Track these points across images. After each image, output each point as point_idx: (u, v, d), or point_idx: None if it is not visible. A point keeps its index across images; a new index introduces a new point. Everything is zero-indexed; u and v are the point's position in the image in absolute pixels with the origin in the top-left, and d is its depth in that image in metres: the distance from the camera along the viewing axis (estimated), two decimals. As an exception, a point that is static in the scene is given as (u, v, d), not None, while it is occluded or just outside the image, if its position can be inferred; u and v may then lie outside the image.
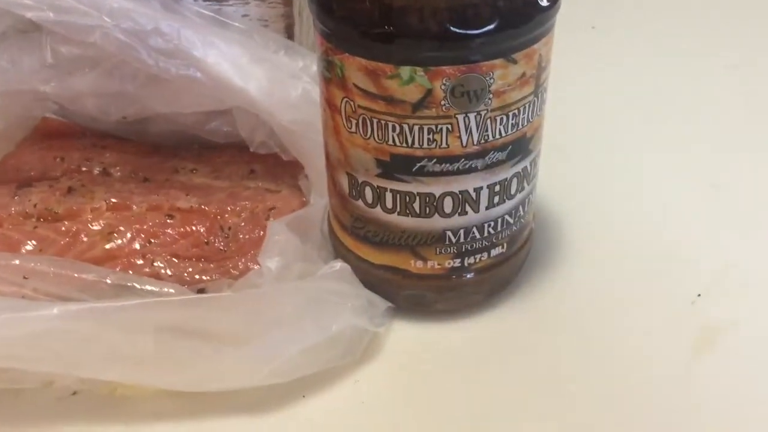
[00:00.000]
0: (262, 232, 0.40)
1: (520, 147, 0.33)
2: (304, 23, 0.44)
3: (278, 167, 0.44)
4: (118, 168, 0.44)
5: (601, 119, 0.52)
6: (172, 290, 0.35)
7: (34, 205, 0.41)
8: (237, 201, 0.42)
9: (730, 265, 0.39)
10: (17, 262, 0.34)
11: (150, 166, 0.45)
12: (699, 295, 0.38)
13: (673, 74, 0.57)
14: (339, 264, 0.36)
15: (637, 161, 0.48)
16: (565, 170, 0.47)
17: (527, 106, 0.32)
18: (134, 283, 0.35)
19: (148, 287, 0.35)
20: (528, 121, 0.32)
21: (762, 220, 0.43)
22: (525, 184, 0.35)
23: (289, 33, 0.43)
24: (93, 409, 0.34)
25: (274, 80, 0.40)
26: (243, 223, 0.41)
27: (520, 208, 0.35)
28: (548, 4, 0.30)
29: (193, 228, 0.40)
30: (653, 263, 0.40)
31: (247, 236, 0.40)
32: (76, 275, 0.35)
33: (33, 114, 0.47)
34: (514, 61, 0.30)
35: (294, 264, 0.35)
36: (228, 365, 0.32)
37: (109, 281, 0.35)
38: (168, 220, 0.40)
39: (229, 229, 0.41)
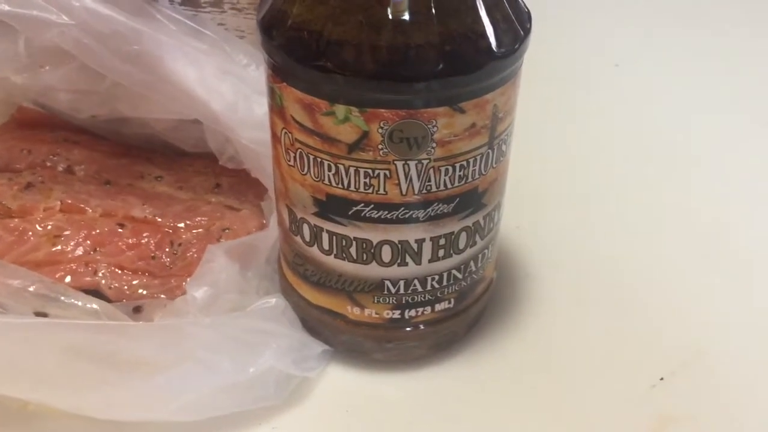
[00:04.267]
0: (210, 252, 0.38)
1: (470, 200, 0.30)
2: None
3: (244, 184, 0.43)
4: (83, 167, 0.43)
5: (595, 167, 0.49)
6: (96, 306, 0.33)
7: (-11, 199, 0.40)
8: (194, 216, 0.40)
9: (702, 351, 0.36)
10: (-58, 260, 0.33)
11: (116, 168, 0.43)
12: (661, 378, 0.34)
13: (689, 119, 0.53)
14: (274, 300, 0.34)
15: (629, 223, 0.44)
16: (548, 222, 0.44)
17: (479, 158, 0.29)
18: (59, 295, 0.34)
19: (72, 301, 0.33)
20: (480, 173, 0.30)
21: (750, 309, 0.39)
22: (477, 239, 0.32)
23: (266, 46, 0.41)
24: (2, 423, 0.33)
25: (239, 95, 0.38)
26: (194, 240, 0.39)
27: (471, 264, 0.33)
28: (503, 51, 0.27)
29: (143, 240, 0.39)
30: (619, 336, 0.37)
31: (195, 255, 0.38)
32: (6, 281, 0.34)
33: (12, 100, 0.46)
34: (462, 110, 0.27)
35: (225, 294, 0.33)
36: (135, 395, 0.31)
37: (32, 290, 0.33)
38: (119, 229, 0.39)
39: (179, 245, 0.39)
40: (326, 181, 0.29)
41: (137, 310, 0.36)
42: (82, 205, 0.40)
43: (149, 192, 0.42)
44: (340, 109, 0.27)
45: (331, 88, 0.27)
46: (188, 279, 0.38)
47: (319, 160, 0.29)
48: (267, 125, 0.38)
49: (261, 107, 0.38)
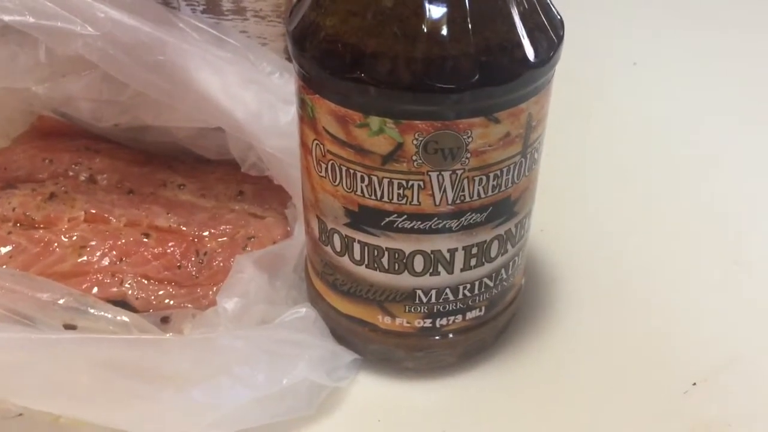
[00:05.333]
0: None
1: (503, 209, 0.30)
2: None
3: (267, 191, 0.42)
4: (105, 176, 0.43)
5: (616, 169, 0.49)
6: (126, 318, 0.33)
7: (13, 209, 0.40)
8: (218, 224, 0.40)
9: (736, 356, 0.35)
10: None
11: (138, 177, 0.43)
12: (694, 384, 0.34)
13: (709, 118, 0.53)
14: (304, 310, 0.34)
15: (653, 224, 0.44)
16: (572, 224, 0.44)
17: (512, 167, 0.29)
18: (88, 307, 0.33)
19: (102, 313, 0.33)
20: (513, 182, 0.30)
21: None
22: (508, 247, 0.32)
23: (288, 53, 0.41)
24: (35, 435, 0.33)
25: (263, 103, 0.38)
26: (220, 249, 0.39)
27: (503, 272, 0.33)
28: (538, 60, 0.27)
29: (168, 249, 0.39)
30: (650, 340, 0.37)
31: (221, 264, 0.38)
32: (30, 293, 0.33)
33: (32, 110, 0.46)
34: (497, 120, 0.27)
35: (255, 305, 0.33)
36: (168, 409, 0.30)
37: (61, 302, 0.33)
38: (144, 239, 0.39)
39: (205, 254, 0.39)
40: (359, 192, 0.29)
41: (165, 320, 0.36)
42: (106, 215, 0.40)
43: (172, 200, 0.42)
44: (375, 121, 0.27)
45: (366, 100, 0.27)
46: (215, 288, 0.38)
47: (351, 171, 0.29)
48: (292, 133, 0.38)
49: (285, 115, 0.38)
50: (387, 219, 0.29)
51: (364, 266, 0.31)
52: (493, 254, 0.31)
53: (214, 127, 0.40)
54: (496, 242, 0.31)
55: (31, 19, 0.34)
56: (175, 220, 0.40)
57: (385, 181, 0.28)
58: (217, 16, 0.39)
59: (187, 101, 0.38)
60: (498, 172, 0.29)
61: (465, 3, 0.26)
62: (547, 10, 0.28)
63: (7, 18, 0.34)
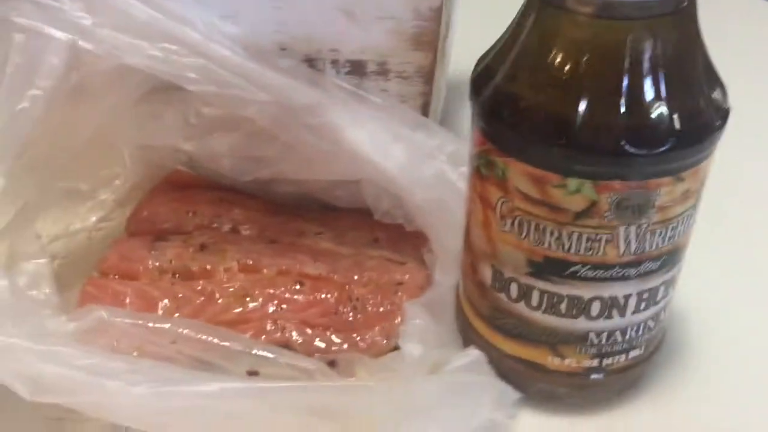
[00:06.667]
0: (389, 306, 0.41)
1: (674, 257, 0.33)
2: (440, 102, 0.44)
3: (401, 238, 0.45)
4: (246, 226, 0.45)
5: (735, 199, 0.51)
6: (312, 366, 0.36)
7: (170, 261, 0.42)
8: (362, 271, 0.43)
9: None
10: (168, 326, 0.35)
11: (276, 226, 0.46)
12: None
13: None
14: (475, 352, 0.36)
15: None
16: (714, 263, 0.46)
17: (686, 218, 0.32)
18: (269, 354, 0.36)
19: (290, 361, 0.36)
20: (684, 232, 0.32)
21: None
22: (670, 291, 0.35)
23: (425, 110, 0.43)
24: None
25: (411, 158, 0.40)
26: (370, 295, 0.41)
27: (662, 313, 0.35)
28: (720, 123, 0.30)
29: (323, 296, 0.41)
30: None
31: (374, 309, 0.41)
32: (222, 343, 0.36)
33: (165, 165, 0.48)
34: (681, 179, 0.30)
35: (431, 349, 0.36)
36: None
37: (244, 350, 0.36)
38: (297, 287, 0.41)
39: (357, 299, 0.41)
40: (545, 245, 0.32)
41: (332, 364, 0.39)
42: (257, 265, 0.42)
43: (314, 249, 0.44)
44: (573, 182, 0.30)
45: (567, 164, 0.29)
46: (370, 332, 0.40)
47: (541, 226, 0.31)
48: (435, 186, 0.41)
49: (429, 169, 0.41)
50: (571, 269, 0.32)
51: (540, 312, 0.34)
52: (659, 298, 0.34)
53: (358, 179, 0.43)
54: (663, 287, 0.34)
55: (214, 89, 0.37)
56: (323, 268, 0.42)
57: (575, 234, 0.31)
58: (360, 77, 0.42)
59: (340, 157, 0.40)
60: (675, 224, 0.32)
61: (660, 77, 0.29)
62: (718, 78, 0.31)
63: (192, 87, 0.36)
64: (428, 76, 0.42)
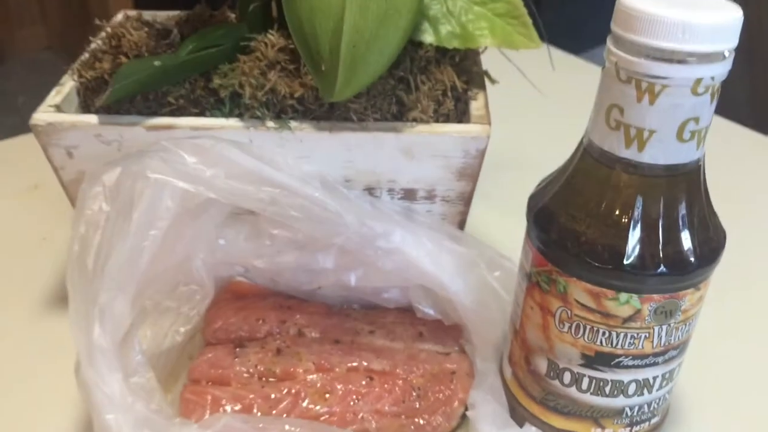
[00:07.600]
0: (448, 392, 0.49)
1: (686, 344, 0.43)
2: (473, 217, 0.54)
3: (441, 331, 0.53)
4: (310, 329, 0.52)
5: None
6: (406, 452, 0.43)
7: (255, 366, 0.48)
8: (418, 363, 0.50)
9: None
10: (288, 427, 0.42)
11: (334, 327, 0.53)
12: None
13: None
14: (533, 429, 0.45)
15: None
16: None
17: (697, 315, 0.42)
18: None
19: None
20: (695, 326, 0.43)
21: None
22: (679, 369, 0.45)
23: (462, 225, 0.53)
24: None
25: (458, 267, 0.49)
26: (429, 384, 0.49)
27: (671, 385, 0.45)
28: (723, 243, 0.41)
29: (390, 388, 0.48)
30: None
31: (434, 396, 0.49)
32: (329, 437, 0.43)
33: (224, 276, 0.55)
34: (699, 288, 0.40)
35: (501, 429, 0.44)
36: None
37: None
38: (366, 381, 0.49)
39: (419, 389, 0.49)
40: (597, 343, 0.41)
41: (408, 447, 0.46)
42: (330, 364, 0.49)
43: (372, 346, 0.52)
44: (623, 296, 0.39)
45: (620, 283, 0.39)
46: (433, 416, 0.48)
47: (595, 328, 0.41)
48: (479, 289, 0.50)
49: (473, 275, 0.50)
50: (617, 360, 0.42)
51: (588, 394, 0.43)
52: (675, 376, 0.44)
53: (410, 284, 0.51)
54: (678, 367, 0.44)
55: (312, 224, 0.44)
56: (386, 363, 0.50)
57: (622, 334, 0.41)
58: (411, 201, 0.51)
59: (402, 267, 0.48)
60: (691, 320, 0.42)
61: (685, 216, 0.39)
62: (713, 209, 0.42)
63: (296, 225, 0.44)
64: (467, 199, 0.51)
